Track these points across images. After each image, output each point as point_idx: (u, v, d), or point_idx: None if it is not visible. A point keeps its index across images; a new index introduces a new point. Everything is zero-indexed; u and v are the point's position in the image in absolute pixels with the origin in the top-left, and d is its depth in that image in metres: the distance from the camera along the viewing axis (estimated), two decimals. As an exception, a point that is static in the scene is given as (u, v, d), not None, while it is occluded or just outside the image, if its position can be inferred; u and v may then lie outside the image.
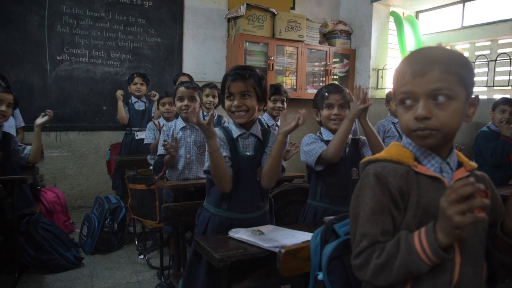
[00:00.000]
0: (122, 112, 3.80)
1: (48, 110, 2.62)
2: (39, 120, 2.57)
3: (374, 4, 5.12)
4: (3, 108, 2.26)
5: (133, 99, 3.91)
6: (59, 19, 4.05)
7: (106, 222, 3.19)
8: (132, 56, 4.37)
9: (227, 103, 1.63)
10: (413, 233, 0.82)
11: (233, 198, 1.61)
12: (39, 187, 3.60)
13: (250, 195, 1.63)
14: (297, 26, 4.83)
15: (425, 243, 0.79)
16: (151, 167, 3.04)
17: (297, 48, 4.94)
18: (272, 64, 4.73)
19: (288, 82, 4.95)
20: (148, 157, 3.20)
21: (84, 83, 4.15)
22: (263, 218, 1.62)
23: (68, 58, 4.11)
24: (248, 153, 1.65)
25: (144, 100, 3.95)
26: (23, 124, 3.72)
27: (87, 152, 4.24)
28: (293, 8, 5.30)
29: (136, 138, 3.73)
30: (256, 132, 1.68)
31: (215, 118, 3.51)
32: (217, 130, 1.63)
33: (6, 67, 3.82)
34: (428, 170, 0.91)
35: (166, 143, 2.35)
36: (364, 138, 1.89)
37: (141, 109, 3.91)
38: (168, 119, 3.21)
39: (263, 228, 1.46)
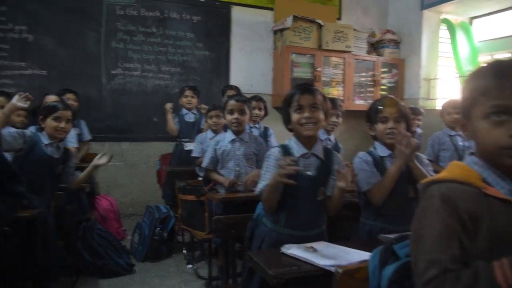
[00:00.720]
0: (171, 124, 3.92)
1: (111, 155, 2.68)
2: (97, 162, 2.59)
3: (424, 11, 4.97)
4: (62, 124, 2.37)
5: (184, 111, 4.02)
6: (114, 36, 4.27)
7: (156, 230, 3.28)
8: (182, 69, 4.51)
9: (296, 116, 1.63)
10: (493, 264, 0.76)
11: (291, 216, 1.61)
12: (95, 195, 3.78)
13: (309, 213, 1.62)
14: (344, 37, 4.78)
15: (511, 278, 0.73)
16: (200, 178, 3.11)
17: (344, 58, 4.88)
18: (319, 76, 4.70)
19: (335, 93, 4.89)
20: (197, 168, 3.27)
21: (136, 95, 4.33)
22: (321, 236, 1.61)
23: (122, 72, 4.31)
24: (309, 173, 1.65)
25: (195, 112, 4.04)
26: (88, 138, 3.92)
27: (138, 162, 4.40)
28: (339, 18, 5.26)
29: (185, 149, 3.82)
30: (318, 152, 1.67)
31: (262, 129, 3.54)
32: (275, 151, 1.64)
33: (67, 81, 4.05)
34: (499, 192, 0.85)
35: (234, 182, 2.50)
36: (422, 155, 1.83)
37: (191, 121, 4.00)
38: (216, 132, 3.27)
39: (316, 244, 1.44)
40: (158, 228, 3.29)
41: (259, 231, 1.69)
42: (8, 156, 2.23)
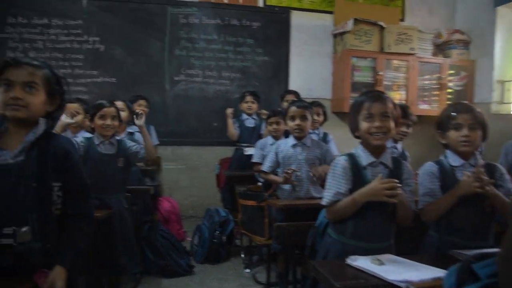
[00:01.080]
0: (232, 129, 3.99)
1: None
2: (138, 122, 2.72)
3: (499, 8, 4.62)
4: (108, 122, 2.47)
5: (244, 116, 4.08)
6: (177, 44, 4.42)
7: (216, 233, 3.34)
8: (241, 75, 4.58)
9: (365, 124, 1.58)
10: None
11: (358, 227, 1.55)
12: (159, 197, 3.93)
13: (377, 226, 1.55)
14: (407, 39, 4.59)
15: None
16: (259, 183, 3.12)
17: (408, 61, 4.68)
18: (381, 80, 4.55)
19: (397, 97, 4.70)
20: (256, 173, 3.29)
21: (197, 101, 4.45)
22: (388, 250, 1.52)
23: (184, 78, 4.46)
24: None
25: (255, 117, 4.09)
26: (157, 142, 4.07)
27: (199, 165, 4.51)
28: (402, 20, 5.05)
29: (245, 154, 3.87)
30: (386, 161, 1.60)
31: (321, 135, 3.48)
32: (342, 159, 1.60)
33: (134, 88, 4.27)
34: None
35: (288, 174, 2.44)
36: (501, 167, 1.69)
37: (251, 126, 4.05)
38: (276, 138, 3.27)
39: (382, 257, 1.38)
40: (218, 231, 3.35)
41: (324, 242, 1.65)
42: None
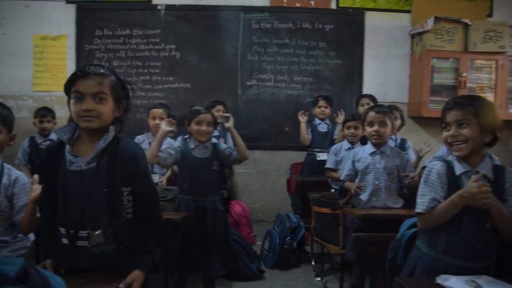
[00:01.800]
0: (305, 133, 3.94)
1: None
2: (227, 124, 2.78)
3: None
4: (204, 127, 2.55)
5: (317, 121, 4.00)
6: (249, 49, 4.48)
7: (287, 239, 3.30)
8: (314, 78, 4.51)
9: (444, 133, 1.48)
10: None
11: (452, 241, 1.42)
12: (230, 200, 3.98)
13: (474, 240, 1.40)
14: (496, 36, 4.21)
15: None
16: (332, 190, 3.03)
17: (496, 61, 4.29)
18: (464, 82, 4.21)
19: (484, 100, 4.32)
20: (330, 180, 3.20)
21: (269, 105, 4.46)
22: (486, 271, 1.35)
23: (256, 83, 4.50)
24: None
25: (328, 122, 4.00)
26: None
27: (269, 170, 4.52)
28: (490, 15, 4.64)
29: (317, 159, 3.79)
30: (485, 170, 1.42)
31: (398, 141, 3.31)
32: (438, 165, 1.49)
33: (208, 93, 4.39)
34: None
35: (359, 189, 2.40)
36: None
37: (323, 131, 3.96)
38: (352, 143, 3.17)
39: (479, 279, 1.24)
40: (288, 237, 3.31)
41: (411, 256, 1.53)
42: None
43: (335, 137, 3.83)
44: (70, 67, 4.46)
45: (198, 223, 2.49)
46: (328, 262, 3.28)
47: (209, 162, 2.58)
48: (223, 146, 2.70)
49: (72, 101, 1.36)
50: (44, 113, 3.71)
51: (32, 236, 1.66)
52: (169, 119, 2.80)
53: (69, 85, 1.36)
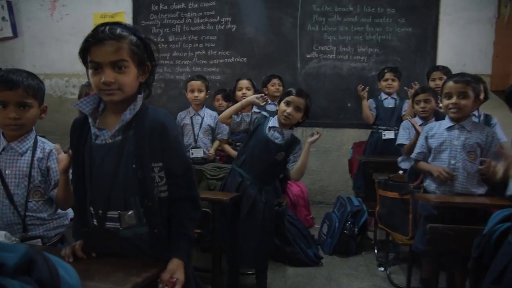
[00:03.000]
0: (367, 111, 3.62)
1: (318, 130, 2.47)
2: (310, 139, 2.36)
3: None
4: (289, 110, 2.22)
5: (383, 96, 3.63)
6: (309, 19, 4.19)
7: (347, 224, 3.06)
8: (380, 49, 4.11)
9: None
10: None
11: None
12: (288, 180, 3.79)
13: None
14: None
15: None
16: (401, 171, 2.70)
17: None
18: None
19: None
20: (400, 159, 2.86)
21: (330, 79, 4.16)
22: None
23: (317, 55, 4.21)
24: None
25: (395, 97, 3.62)
26: None
27: (330, 148, 4.25)
28: None
29: (383, 138, 3.46)
30: None
31: (482, 117, 2.87)
32: None
33: (264, 67, 4.20)
34: None
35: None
36: None
37: (390, 106, 3.60)
38: (425, 119, 2.80)
39: None
40: (349, 222, 3.07)
41: (500, 255, 1.24)
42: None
43: (403, 113, 3.45)
44: (128, 44, 4.49)
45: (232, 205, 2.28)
46: (393, 251, 2.98)
47: (277, 150, 2.28)
48: (298, 148, 2.35)
49: (90, 71, 1.19)
50: None
51: (71, 213, 1.57)
52: (264, 96, 2.53)
53: (84, 54, 1.19)
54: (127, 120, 1.20)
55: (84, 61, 1.19)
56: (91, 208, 1.23)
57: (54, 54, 4.70)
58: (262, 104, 2.47)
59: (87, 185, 1.23)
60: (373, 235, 3.23)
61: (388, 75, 3.57)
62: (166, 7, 4.42)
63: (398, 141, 2.91)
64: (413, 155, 2.28)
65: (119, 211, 1.20)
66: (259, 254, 2.31)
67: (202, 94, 3.22)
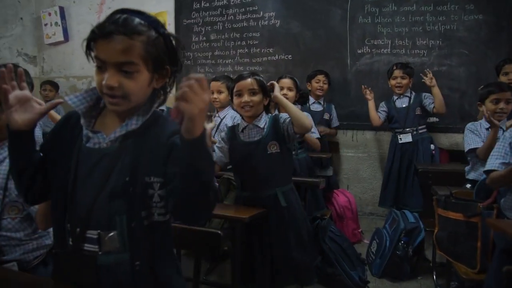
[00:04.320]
0: (373, 112, 3.43)
1: None
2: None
3: None
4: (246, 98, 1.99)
5: (394, 96, 3.40)
6: (361, 10, 3.78)
7: (400, 244, 2.64)
8: (443, 41, 3.58)
9: None
10: None
11: None
12: (333, 189, 3.44)
13: None
14: None
15: None
16: (468, 185, 2.23)
17: None
18: None
19: None
20: (467, 168, 2.38)
21: (384, 77, 3.69)
22: None
23: (369, 50, 3.80)
24: None
25: (408, 94, 3.33)
26: (337, 124, 3.75)
27: (383, 154, 3.80)
28: None
29: (400, 142, 3.28)
30: None
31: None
32: None
33: (310, 65, 3.88)
34: None
35: None
36: None
37: (404, 106, 3.36)
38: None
39: None
40: (402, 241, 2.64)
41: None
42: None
43: (428, 106, 3.23)
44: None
45: (256, 227, 1.98)
46: (456, 277, 2.50)
47: (263, 145, 1.99)
48: (283, 118, 2.01)
49: (95, 68, 0.98)
50: None
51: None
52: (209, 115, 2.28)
53: (89, 46, 0.98)
54: (130, 130, 0.99)
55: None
56: (68, 225, 1.00)
57: (101, 56, 4.74)
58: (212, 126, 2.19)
59: (68, 196, 1.00)
60: (432, 255, 2.78)
61: (397, 73, 3.32)
62: (207, 4, 4.26)
63: (470, 146, 2.44)
64: (490, 166, 1.80)
65: (99, 231, 0.96)
66: (301, 266, 2.05)
67: (222, 96, 2.95)
